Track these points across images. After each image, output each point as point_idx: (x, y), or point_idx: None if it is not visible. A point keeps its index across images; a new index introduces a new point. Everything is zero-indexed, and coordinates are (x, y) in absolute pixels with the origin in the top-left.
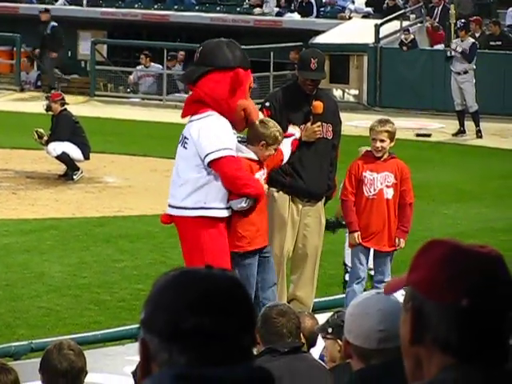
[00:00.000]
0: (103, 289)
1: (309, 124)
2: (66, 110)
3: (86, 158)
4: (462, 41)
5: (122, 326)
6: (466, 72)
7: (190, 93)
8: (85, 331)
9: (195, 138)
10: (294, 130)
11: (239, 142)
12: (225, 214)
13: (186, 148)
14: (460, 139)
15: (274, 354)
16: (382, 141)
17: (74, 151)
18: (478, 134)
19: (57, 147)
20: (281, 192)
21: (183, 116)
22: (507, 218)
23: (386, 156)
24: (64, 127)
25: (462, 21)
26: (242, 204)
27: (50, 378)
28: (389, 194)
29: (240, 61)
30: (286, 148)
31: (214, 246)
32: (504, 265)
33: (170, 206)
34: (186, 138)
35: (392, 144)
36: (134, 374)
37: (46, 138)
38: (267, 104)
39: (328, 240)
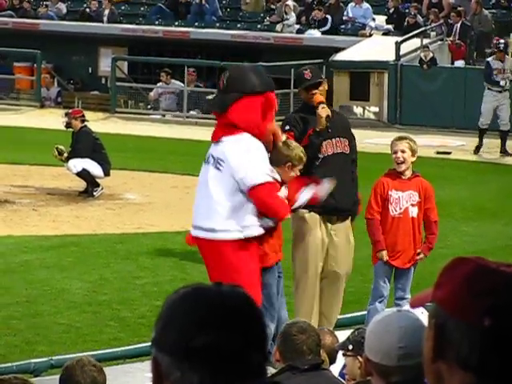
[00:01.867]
0: (123, 305)
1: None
2: (85, 126)
3: (107, 174)
4: (501, 61)
5: (142, 342)
6: (506, 89)
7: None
8: (105, 348)
9: (231, 160)
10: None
11: None
12: (262, 231)
13: (219, 170)
14: (480, 157)
15: (293, 371)
16: (403, 151)
17: (95, 168)
18: (507, 153)
19: (77, 164)
20: (312, 213)
21: (215, 139)
22: None
23: (409, 174)
24: (84, 144)
25: (502, 41)
26: (269, 224)
27: None
28: (414, 212)
29: (268, 85)
30: (302, 197)
31: (251, 267)
32: None
33: (198, 227)
34: (219, 159)
35: (414, 159)
36: None
37: (66, 154)
38: (287, 127)
39: None
